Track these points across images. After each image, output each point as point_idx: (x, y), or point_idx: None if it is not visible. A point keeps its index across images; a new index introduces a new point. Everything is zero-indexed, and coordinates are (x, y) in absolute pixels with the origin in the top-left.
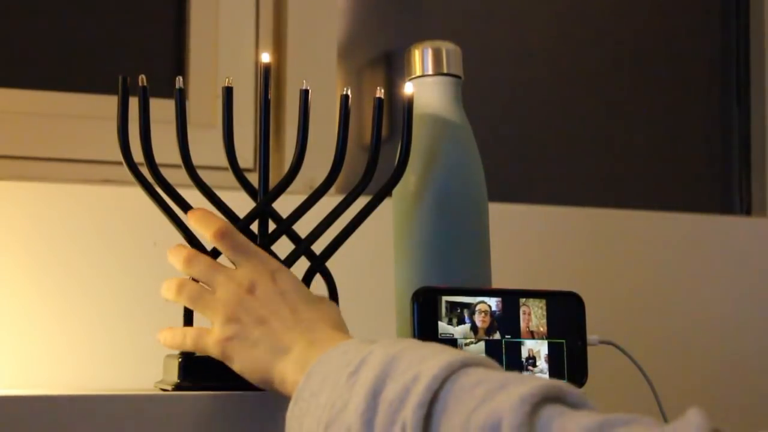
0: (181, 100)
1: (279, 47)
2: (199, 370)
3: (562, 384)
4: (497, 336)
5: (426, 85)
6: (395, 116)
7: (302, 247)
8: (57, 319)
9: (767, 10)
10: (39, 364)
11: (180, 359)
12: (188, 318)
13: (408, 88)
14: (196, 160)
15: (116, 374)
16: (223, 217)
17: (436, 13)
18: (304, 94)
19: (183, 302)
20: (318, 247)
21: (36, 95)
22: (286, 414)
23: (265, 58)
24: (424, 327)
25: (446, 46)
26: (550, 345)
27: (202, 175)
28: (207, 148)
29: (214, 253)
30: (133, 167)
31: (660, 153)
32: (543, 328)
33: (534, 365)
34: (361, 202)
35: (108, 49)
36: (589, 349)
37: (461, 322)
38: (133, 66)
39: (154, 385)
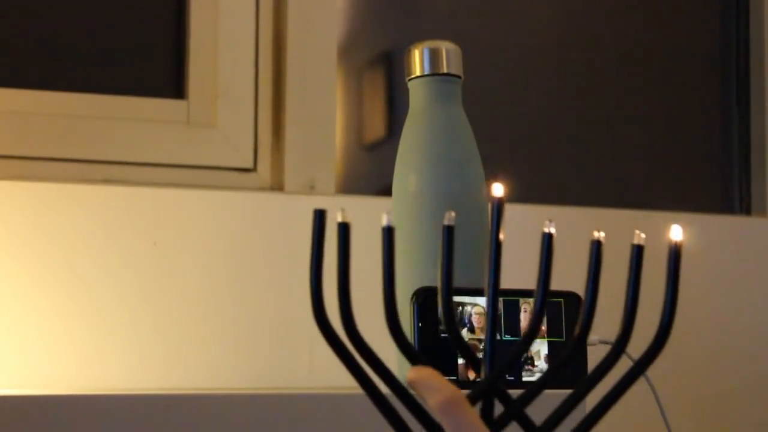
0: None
1: (279, 47)
2: None
3: None
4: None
5: (426, 85)
6: (395, 116)
7: None
8: (57, 319)
9: (767, 10)
10: (39, 364)
11: None
12: None
13: (675, 234)
14: (195, 159)
15: (117, 374)
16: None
17: (436, 13)
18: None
19: None
20: None
21: (36, 95)
22: None
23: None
24: (424, 327)
25: (446, 46)
26: (549, 345)
27: (202, 174)
28: (207, 148)
29: None
30: (329, 333)
31: (660, 153)
32: (543, 328)
33: (533, 365)
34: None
35: (108, 49)
36: (589, 349)
37: (461, 322)
38: (133, 66)
39: None
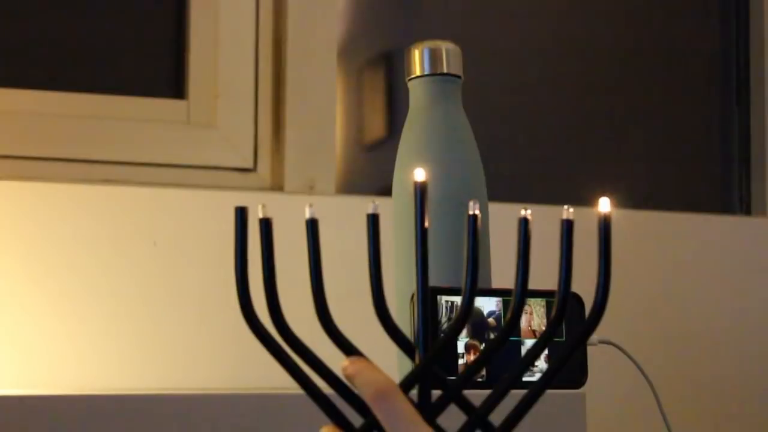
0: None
1: (279, 47)
2: None
3: None
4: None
5: (426, 85)
6: (395, 116)
7: (476, 418)
8: (57, 319)
9: (767, 10)
10: (39, 364)
11: None
12: None
13: (603, 206)
14: (195, 160)
15: (117, 374)
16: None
17: (436, 13)
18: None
19: None
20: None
21: (36, 95)
22: None
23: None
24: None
25: (446, 46)
26: (549, 345)
27: (202, 174)
28: (207, 148)
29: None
30: (255, 324)
31: (660, 153)
32: (544, 328)
33: (533, 365)
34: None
35: (108, 49)
36: (589, 349)
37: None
38: (133, 66)
39: None
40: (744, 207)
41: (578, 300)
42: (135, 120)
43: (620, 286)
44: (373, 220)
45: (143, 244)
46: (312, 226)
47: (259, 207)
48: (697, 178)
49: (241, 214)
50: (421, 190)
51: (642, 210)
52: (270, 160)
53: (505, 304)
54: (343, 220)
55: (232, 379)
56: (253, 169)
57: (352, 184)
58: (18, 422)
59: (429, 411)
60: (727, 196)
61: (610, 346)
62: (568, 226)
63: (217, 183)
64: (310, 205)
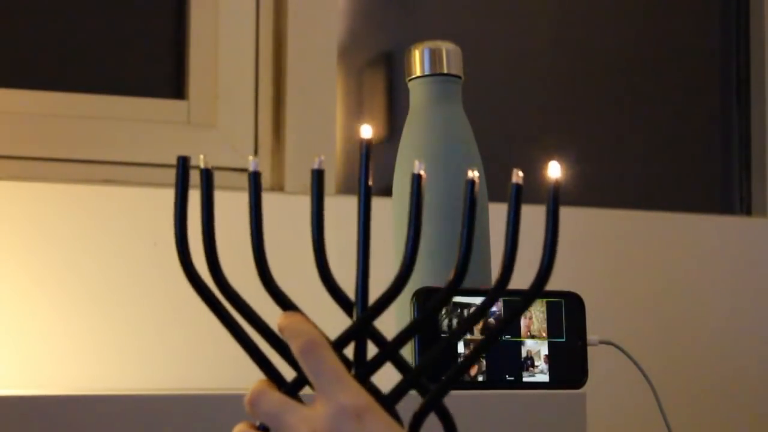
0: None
1: (279, 47)
2: None
3: None
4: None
5: (426, 85)
6: (395, 116)
7: (410, 378)
8: (58, 319)
9: (767, 9)
10: (40, 364)
11: None
12: None
13: (553, 171)
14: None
15: (117, 374)
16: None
17: (436, 13)
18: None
19: None
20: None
21: (36, 95)
22: None
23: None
24: (424, 327)
25: (446, 46)
26: (550, 345)
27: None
28: (207, 148)
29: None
30: (192, 274)
31: (660, 153)
32: (544, 334)
33: (533, 365)
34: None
35: (108, 49)
36: (589, 349)
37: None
38: (133, 66)
39: None
40: (744, 207)
41: (578, 299)
42: (135, 120)
43: (620, 286)
44: (318, 176)
45: (143, 244)
46: (255, 178)
47: (201, 157)
48: (697, 178)
49: (183, 162)
50: (366, 149)
51: (642, 210)
52: (270, 160)
53: (506, 303)
54: (343, 220)
55: (232, 379)
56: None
57: (352, 184)
58: (18, 422)
59: (363, 368)
60: (727, 196)
61: (610, 346)
62: (517, 190)
63: (217, 183)
64: (254, 157)
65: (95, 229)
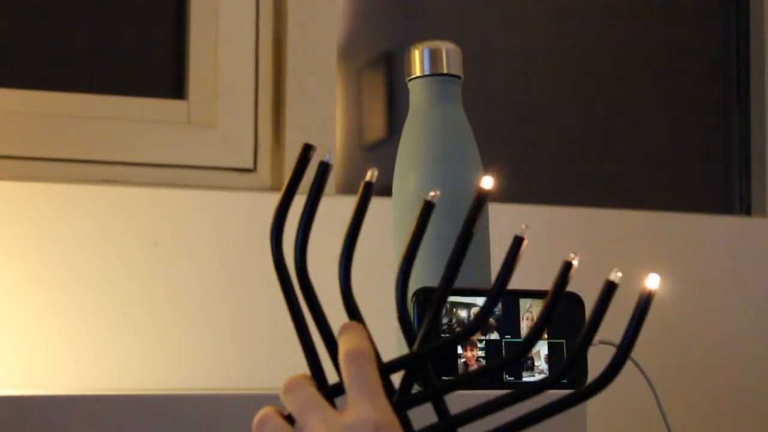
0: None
1: (279, 47)
2: None
3: None
4: (496, 336)
5: (426, 85)
6: (395, 116)
7: (446, 424)
8: (57, 319)
9: (767, 9)
10: (39, 364)
11: None
12: None
13: (651, 282)
14: (195, 160)
15: (116, 374)
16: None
17: (436, 13)
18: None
19: None
20: None
21: (36, 95)
22: None
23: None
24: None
25: (446, 46)
26: (549, 345)
27: (202, 174)
28: (207, 148)
29: None
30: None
31: (660, 153)
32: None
33: (533, 365)
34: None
35: (108, 49)
36: (589, 349)
37: (461, 322)
38: (133, 66)
39: None
40: (744, 207)
41: (578, 300)
42: (135, 120)
43: (620, 286)
44: (324, 169)
45: (143, 244)
46: (367, 188)
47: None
48: (697, 178)
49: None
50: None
51: (642, 210)
52: (270, 161)
53: (506, 304)
54: (344, 220)
55: (232, 379)
56: (253, 170)
57: (352, 184)
58: (18, 422)
59: (404, 400)
60: (727, 197)
61: (610, 346)
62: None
63: (217, 183)
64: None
65: (95, 229)
